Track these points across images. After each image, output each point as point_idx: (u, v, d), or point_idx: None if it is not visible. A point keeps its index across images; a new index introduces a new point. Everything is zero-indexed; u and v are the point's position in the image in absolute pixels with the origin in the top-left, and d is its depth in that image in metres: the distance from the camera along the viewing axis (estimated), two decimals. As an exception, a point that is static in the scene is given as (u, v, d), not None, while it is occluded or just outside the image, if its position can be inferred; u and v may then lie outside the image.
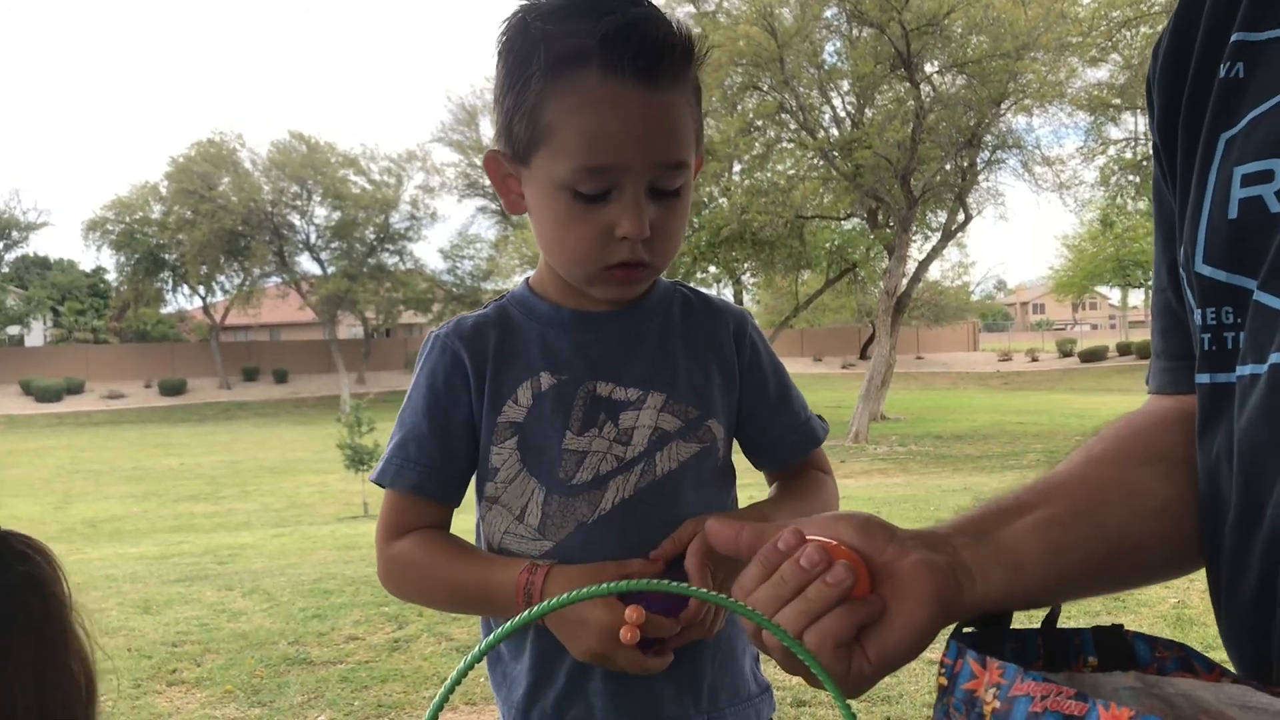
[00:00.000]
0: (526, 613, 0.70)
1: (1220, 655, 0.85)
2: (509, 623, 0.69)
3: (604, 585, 0.71)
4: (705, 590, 0.78)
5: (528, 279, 1.38)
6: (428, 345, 1.34)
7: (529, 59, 1.16)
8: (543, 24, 1.16)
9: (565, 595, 0.70)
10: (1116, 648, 0.81)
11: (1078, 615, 4.52)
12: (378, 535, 1.32)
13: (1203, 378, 0.88)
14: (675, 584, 0.75)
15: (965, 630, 0.82)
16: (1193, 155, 0.89)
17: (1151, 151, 0.99)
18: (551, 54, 1.14)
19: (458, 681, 0.65)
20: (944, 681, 0.76)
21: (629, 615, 1.14)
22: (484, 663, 0.77)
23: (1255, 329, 0.81)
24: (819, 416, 1.43)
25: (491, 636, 0.69)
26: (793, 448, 1.40)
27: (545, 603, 0.70)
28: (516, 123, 1.19)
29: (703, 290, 1.42)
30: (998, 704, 0.69)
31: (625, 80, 1.13)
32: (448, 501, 1.32)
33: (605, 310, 1.31)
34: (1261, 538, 0.79)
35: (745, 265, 31.64)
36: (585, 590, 0.71)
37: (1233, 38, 0.86)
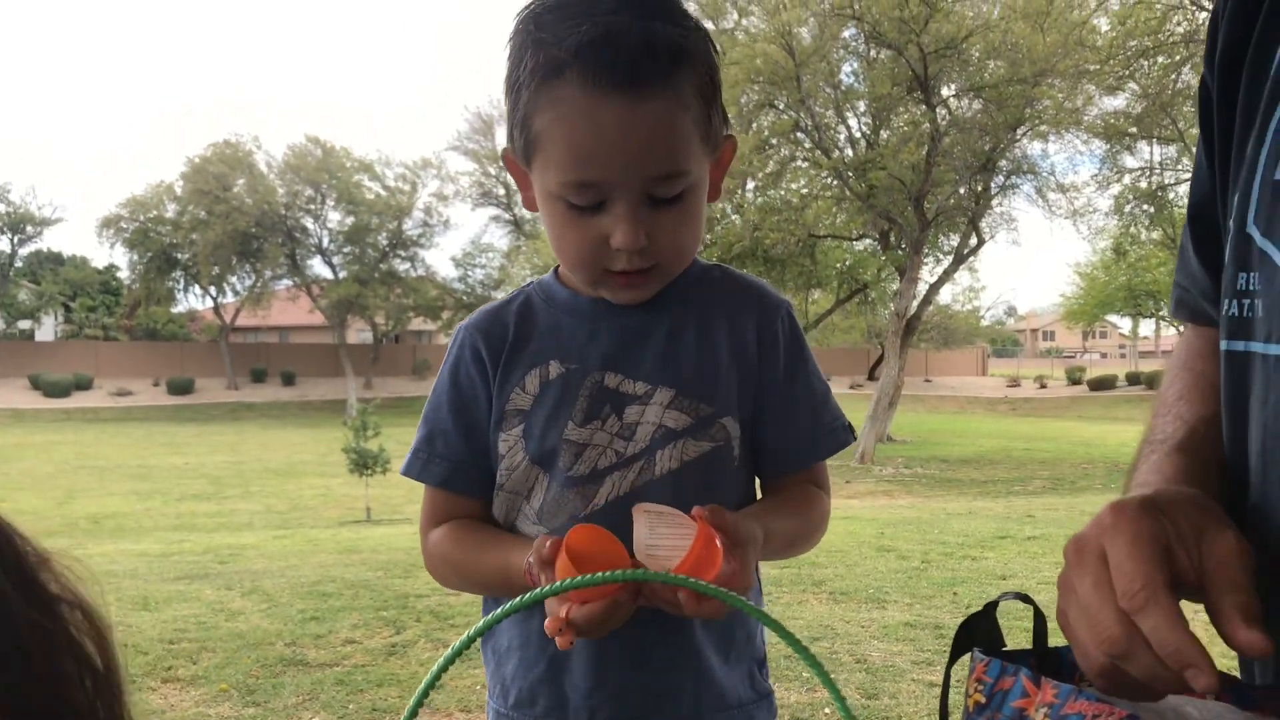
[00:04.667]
0: (516, 600, 0.70)
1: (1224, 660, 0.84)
2: (500, 609, 0.70)
3: (597, 575, 0.72)
4: (692, 579, 0.78)
5: (558, 266, 1.35)
6: (455, 337, 1.34)
7: (519, 65, 1.13)
8: (535, 27, 1.12)
9: (548, 586, 0.71)
10: None
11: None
12: (420, 527, 1.37)
13: (1234, 345, 0.84)
14: (664, 575, 0.75)
15: (1003, 650, 0.81)
16: (1257, 97, 0.81)
17: (1199, 91, 0.92)
18: (535, 62, 1.11)
19: (453, 659, 0.65)
20: (981, 699, 0.75)
21: (545, 549, 1.08)
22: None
23: (1278, 306, 0.76)
24: (847, 426, 1.35)
25: (482, 621, 0.69)
26: (812, 450, 1.33)
27: (533, 592, 0.71)
28: (514, 130, 1.17)
29: (740, 274, 1.37)
30: None
31: (603, 93, 1.08)
32: (477, 495, 1.32)
33: (629, 300, 1.28)
34: (1275, 527, 0.77)
35: (756, 282, 31.62)
36: (571, 580, 0.71)
37: None
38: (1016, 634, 0.82)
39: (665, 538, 1.06)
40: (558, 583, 0.73)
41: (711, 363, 1.27)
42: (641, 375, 1.26)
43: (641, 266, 1.18)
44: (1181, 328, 1.10)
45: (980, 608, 0.84)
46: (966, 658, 0.81)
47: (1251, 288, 0.80)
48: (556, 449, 1.25)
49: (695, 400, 1.25)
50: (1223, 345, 0.86)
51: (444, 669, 0.65)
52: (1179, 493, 0.77)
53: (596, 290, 1.25)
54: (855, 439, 1.37)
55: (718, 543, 1.04)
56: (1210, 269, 0.98)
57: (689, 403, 1.25)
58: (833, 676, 0.71)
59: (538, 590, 0.72)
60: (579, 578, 0.74)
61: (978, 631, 0.82)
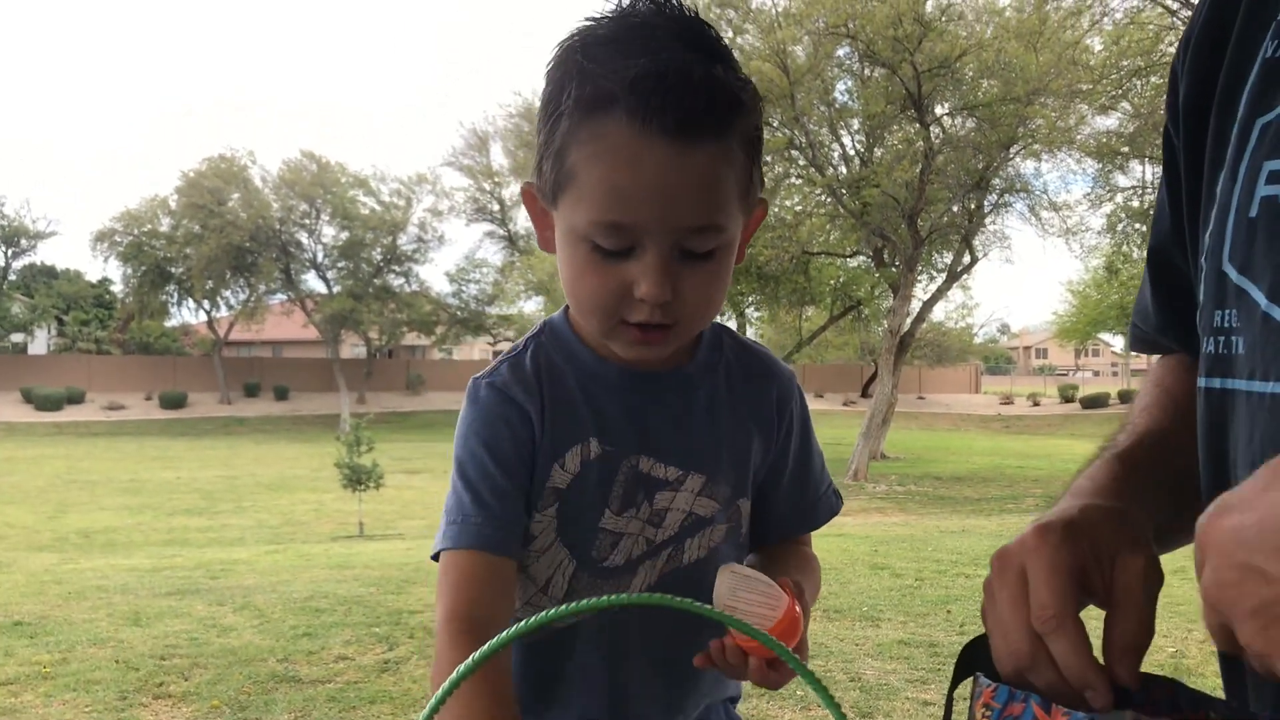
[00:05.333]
0: (542, 615, 0.69)
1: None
2: (517, 625, 0.69)
3: (619, 596, 0.71)
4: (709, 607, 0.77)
5: (566, 309, 1.23)
6: (478, 395, 1.19)
7: (561, 94, 1.06)
8: (582, 57, 1.05)
9: (573, 604, 0.70)
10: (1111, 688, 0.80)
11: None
12: (444, 612, 1.11)
13: (1211, 382, 0.86)
14: (688, 601, 0.74)
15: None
16: (1225, 140, 0.84)
17: (1163, 140, 0.96)
18: (581, 93, 1.03)
19: (465, 676, 0.65)
20: None
21: None
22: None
23: (1263, 343, 0.78)
24: (836, 492, 1.35)
25: (503, 635, 0.68)
26: (804, 520, 1.32)
27: (558, 609, 0.70)
28: (545, 160, 1.09)
29: (751, 343, 1.32)
30: None
31: (652, 134, 1.01)
32: (516, 558, 1.17)
33: (661, 369, 1.21)
34: None
35: (750, 299, 31.73)
36: (591, 601, 0.70)
37: (1279, 15, 0.81)
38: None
39: (746, 601, 1.03)
40: (601, 598, 0.72)
41: (740, 447, 1.24)
42: (674, 460, 1.20)
43: (662, 322, 1.10)
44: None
45: (982, 630, 0.84)
46: (969, 681, 0.80)
47: (1229, 324, 0.82)
48: (591, 537, 1.19)
49: (723, 486, 1.23)
50: (1201, 383, 0.88)
51: (462, 679, 0.65)
52: (1101, 510, 0.82)
53: (607, 341, 1.16)
54: (842, 502, 1.37)
55: (798, 611, 1.04)
56: (1164, 306, 1.05)
57: (718, 489, 1.22)
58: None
59: (572, 605, 0.71)
60: (639, 595, 0.73)
61: (980, 654, 0.82)
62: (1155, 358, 1.12)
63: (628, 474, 1.19)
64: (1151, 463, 0.96)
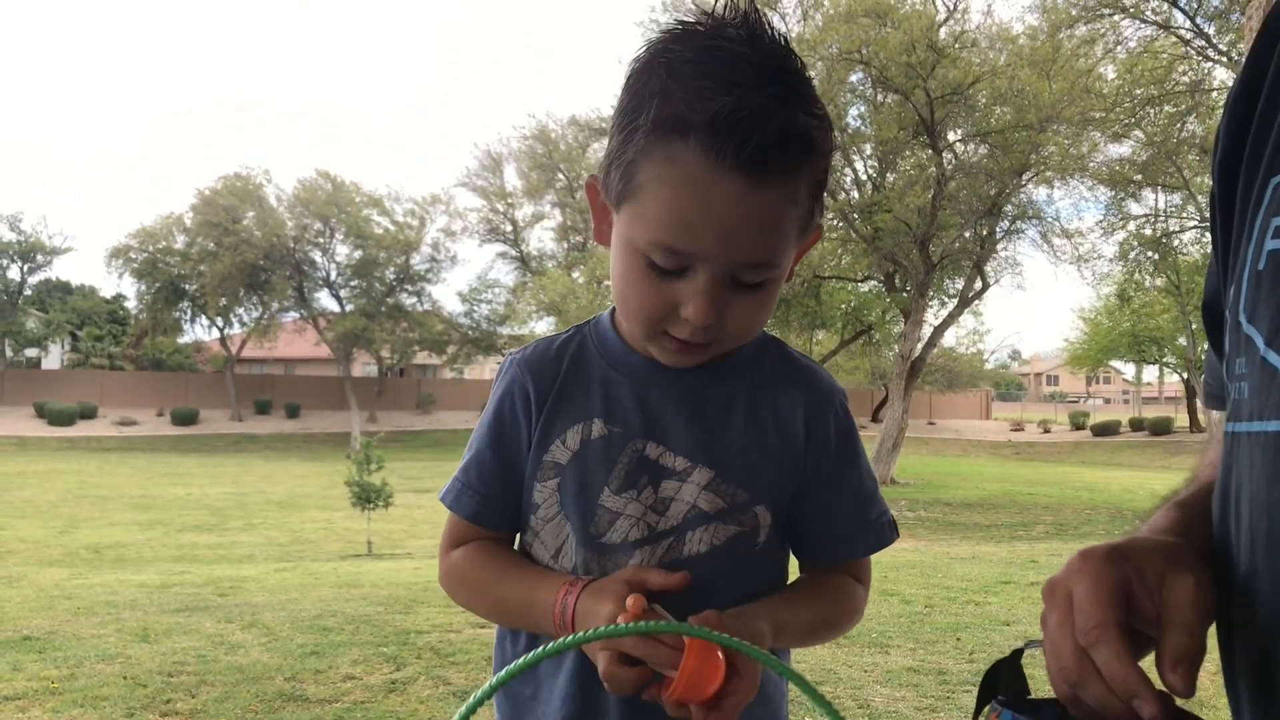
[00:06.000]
0: (539, 650, 0.70)
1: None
2: (524, 658, 0.71)
3: (622, 625, 0.73)
4: (712, 631, 0.78)
5: (614, 310, 1.28)
6: (503, 368, 1.31)
7: (641, 109, 1.07)
8: (666, 75, 1.06)
9: (572, 637, 0.71)
10: None
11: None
12: (440, 543, 1.34)
13: (1227, 427, 0.89)
14: (692, 626, 0.75)
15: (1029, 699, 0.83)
16: (1247, 199, 0.89)
17: (1209, 200, 1.00)
18: (661, 113, 1.05)
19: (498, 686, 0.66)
20: None
21: (629, 604, 1.10)
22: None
23: (1261, 386, 0.81)
24: (891, 522, 1.32)
25: (519, 661, 0.70)
26: (850, 545, 1.30)
27: (556, 642, 0.71)
28: (614, 168, 1.11)
29: (795, 354, 1.32)
30: None
31: (724, 170, 1.02)
32: (505, 530, 1.31)
33: (682, 366, 1.24)
34: (1262, 602, 0.80)
35: (761, 322, 31.69)
36: (601, 630, 0.71)
37: None
38: (1039, 681, 0.83)
39: (648, 648, 1.06)
40: (599, 629, 0.73)
41: (755, 450, 1.24)
42: (683, 450, 1.23)
43: (703, 341, 1.14)
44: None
45: (1007, 654, 0.86)
46: (989, 708, 0.82)
47: (1240, 371, 0.86)
48: (590, 513, 1.22)
49: (732, 485, 1.23)
50: (1229, 428, 0.92)
51: (495, 688, 0.66)
52: (1150, 541, 0.85)
53: (647, 345, 1.21)
54: (897, 535, 1.33)
55: (719, 655, 1.03)
56: (1223, 359, 1.06)
57: (726, 487, 1.22)
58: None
59: (579, 635, 0.72)
60: (592, 630, 0.74)
61: (1003, 679, 0.84)
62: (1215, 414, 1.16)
63: (631, 457, 1.22)
64: (1208, 512, 0.98)
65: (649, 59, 1.09)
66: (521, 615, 1.25)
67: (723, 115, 1.01)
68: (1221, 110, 0.98)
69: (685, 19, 1.11)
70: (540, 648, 0.73)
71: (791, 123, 1.04)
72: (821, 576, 1.31)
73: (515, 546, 1.32)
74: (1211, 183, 0.98)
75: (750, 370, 1.27)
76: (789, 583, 1.31)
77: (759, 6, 1.09)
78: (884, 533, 1.30)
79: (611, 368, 1.27)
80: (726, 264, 1.08)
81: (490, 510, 1.29)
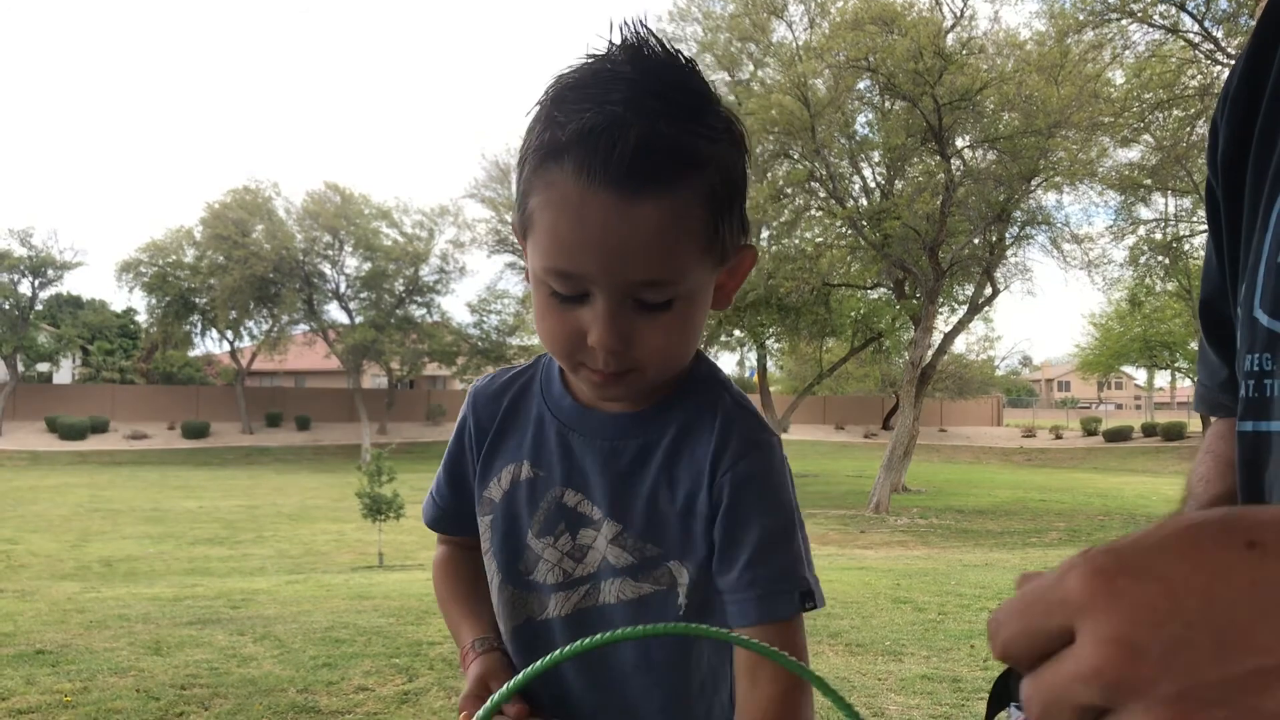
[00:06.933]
0: (549, 658, 0.70)
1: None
2: (530, 667, 0.71)
3: (581, 643, 0.73)
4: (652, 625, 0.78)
5: None
6: (468, 393, 1.36)
7: (529, 139, 1.07)
8: (551, 102, 1.05)
9: (556, 655, 0.72)
10: None
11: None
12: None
13: (1244, 425, 0.86)
14: (635, 629, 0.75)
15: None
16: (1260, 190, 0.85)
17: (1204, 191, 0.97)
18: (541, 140, 1.04)
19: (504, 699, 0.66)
20: None
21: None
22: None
23: None
24: (799, 593, 1.14)
25: (518, 678, 0.69)
26: (737, 613, 1.15)
27: (554, 654, 0.71)
28: (517, 202, 1.11)
29: (733, 401, 1.22)
30: None
31: (595, 187, 1.00)
32: (467, 535, 1.35)
33: (607, 410, 1.21)
34: None
35: (770, 330, 31.70)
36: (558, 653, 0.72)
37: None
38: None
39: None
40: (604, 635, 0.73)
41: (666, 503, 1.18)
42: (596, 500, 1.21)
43: (618, 369, 1.10)
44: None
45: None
46: (1004, 714, 0.80)
47: (1264, 368, 0.83)
48: (518, 551, 1.25)
49: (640, 540, 1.19)
50: (1238, 427, 0.88)
51: (505, 698, 0.66)
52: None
53: (574, 378, 1.18)
54: (812, 606, 1.15)
55: None
56: (1224, 359, 1.04)
57: (633, 542, 1.19)
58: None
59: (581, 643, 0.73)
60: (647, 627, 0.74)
61: (1015, 685, 0.82)
62: (1214, 420, 1.13)
63: (550, 503, 1.23)
64: None
65: (542, 96, 1.08)
66: (457, 640, 1.35)
67: (588, 131, 0.99)
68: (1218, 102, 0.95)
69: (594, 51, 1.08)
70: (543, 659, 0.72)
71: (658, 132, 1.01)
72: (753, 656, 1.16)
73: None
74: (1211, 180, 0.95)
75: (678, 416, 1.20)
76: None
77: (654, 30, 1.07)
78: (778, 601, 1.13)
79: (547, 407, 1.26)
80: (619, 284, 1.04)
81: (445, 518, 1.37)
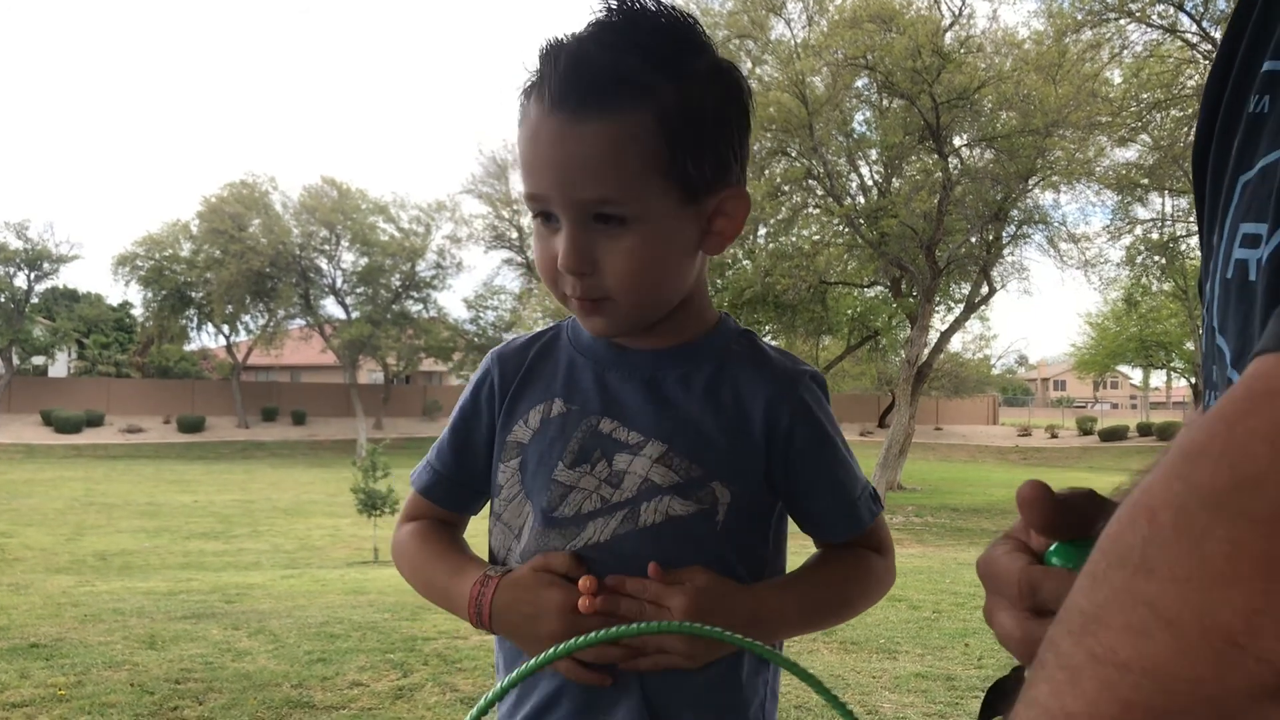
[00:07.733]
0: (532, 661, 0.71)
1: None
2: (518, 670, 0.71)
3: (577, 640, 0.73)
4: (660, 623, 0.78)
5: None
6: (489, 355, 1.38)
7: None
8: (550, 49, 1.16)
9: (552, 651, 0.71)
10: None
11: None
12: (397, 518, 1.43)
13: None
14: (646, 624, 0.75)
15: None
16: (1217, 198, 0.82)
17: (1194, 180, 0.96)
18: (528, 82, 1.15)
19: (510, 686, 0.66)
20: None
21: (584, 585, 1.15)
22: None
23: None
24: (874, 495, 1.33)
25: (505, 680, 0.70)
26: (833, 528, 1.32)
27: (550, 651, 0.71)
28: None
29: (767, 345, 1.33)
30: None
31: (546, 110, 1.11)
32: (453, 509, 1.38)
33: (645, 348, 1.27)
34: None
35: (767, 328, 31.71)
36: (562, 646, 0.71)
37: (1264, 66, 0.76)
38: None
39: None
40: (594, 635, 0.73)
41: (710, 425, 1.24)
42: (637, 426, 1.24)
43: (590, 295, 1.17)
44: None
45: (1010, 670, 0.84)
46: None
47: (1215, 379, 0.82)
48: (545, 487, 1.25)
49: (685, 460, 1.23)
50: None
51: (509, 687, 0.67)
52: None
53: (569, 310, 1.26)
54: (880, 507, 1.34)
55: None
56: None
57: (679, 461, 1.23)
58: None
59: (582, 640, 0.72)
60: (553, 650, 0.73)
61: (1008, 694, 0.82)
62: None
63: (585, 432, 1.25)
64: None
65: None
66: (445, 601, 1.30)
67: (550, 61, 1.11)
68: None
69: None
70: (540, 655, 0.73)
71: (605, 61, 1.10)
72: (833, 553, 1.34)
73: (487, 536, 1.35)
74: (1194, 181, 0.95)
75: (714, 354, 1.29)
76: (807, 563, 1.34)
77: None
78: (861, 513, 1.31)
79: (578, 352, 1.31)
80: (571, 202, 1.12)
81: (440, 485, 1.36)
